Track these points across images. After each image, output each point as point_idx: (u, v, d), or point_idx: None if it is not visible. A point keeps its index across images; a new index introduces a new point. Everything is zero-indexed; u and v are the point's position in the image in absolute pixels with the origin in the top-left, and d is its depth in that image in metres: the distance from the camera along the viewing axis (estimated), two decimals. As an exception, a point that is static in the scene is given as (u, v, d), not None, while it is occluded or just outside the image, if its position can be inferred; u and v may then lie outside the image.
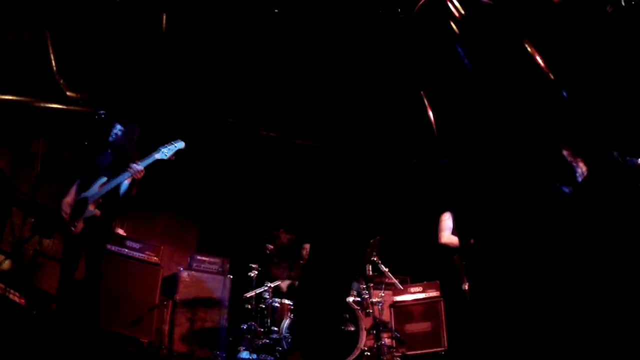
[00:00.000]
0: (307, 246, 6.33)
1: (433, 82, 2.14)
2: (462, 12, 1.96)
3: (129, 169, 4.07)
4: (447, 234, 5.13)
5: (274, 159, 7.32)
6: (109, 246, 5.38)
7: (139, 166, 4.08)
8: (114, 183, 4.11)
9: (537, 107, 1.79)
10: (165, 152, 4.17)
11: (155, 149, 4.21)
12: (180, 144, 4.23)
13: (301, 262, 6.12)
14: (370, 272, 6.02)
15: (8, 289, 4.49)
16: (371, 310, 5.59)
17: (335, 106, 6.70)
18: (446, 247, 5.10)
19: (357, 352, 5.10)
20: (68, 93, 6.12)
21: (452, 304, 6.26)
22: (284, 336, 5.38)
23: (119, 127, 4.34)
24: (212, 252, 6.80)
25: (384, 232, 6.06)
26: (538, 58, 1.80)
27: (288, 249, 6.21)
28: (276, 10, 5.06)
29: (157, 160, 4.18)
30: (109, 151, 4.34)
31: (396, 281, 6.28)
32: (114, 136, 4.31)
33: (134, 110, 6.33)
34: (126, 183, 4.16)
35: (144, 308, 5.39)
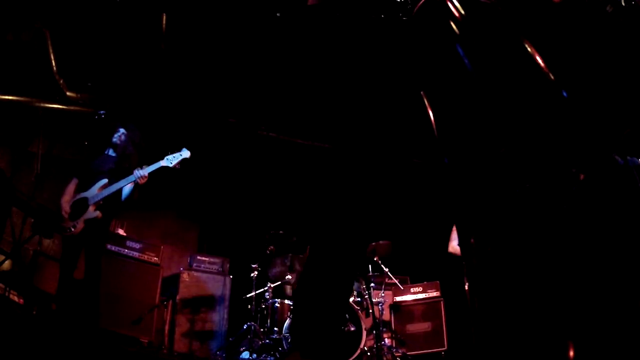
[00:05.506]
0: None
1: (433, 82, 2.14)
2: (462, 12, 1.96)
3: (133, 174, 4.10)
4: (453, 244, 5.12)
5: (274, 159, 7.31)
6: (109, 246, 5.40)
7: (144, 172, 4.10)
8: (116, 187, 4.13)
9: (537, 107, 1.79)
10: (171, 160, 4.23)
11: (162, 157, 4.26)
12: (186, 153, 4.29)
13: (301, 256, 6.10)
14: (371, 272, 6.01)
15: (8, 289, 4.50)
16: (371, 310, 5.58)
17: (336, 106, 6.69)
18: (453, 255, 5.09)
19: (357, 353, 5.09)
20: (68, 93, 6.12)
21: (453, 304, 6.26)
22: (285, 336, 5.37)
23: (122, 130, 4.37)
24: (212, 252, 6.80)
25: (389, 235, 6.04)
26: (538, 58, 1.80)
27: (287, 247, 6.20)
28: (278, 14, 5.07)
29: (162, 168, 4.22)
30: (109, 153, 4.37)
31: (397, 281, 6.28)
32: (117, 139, 4.35)
33: (134, 109, 6.34)
34: (128, 187, 4.20)
35: (144, 308, 5.39)
